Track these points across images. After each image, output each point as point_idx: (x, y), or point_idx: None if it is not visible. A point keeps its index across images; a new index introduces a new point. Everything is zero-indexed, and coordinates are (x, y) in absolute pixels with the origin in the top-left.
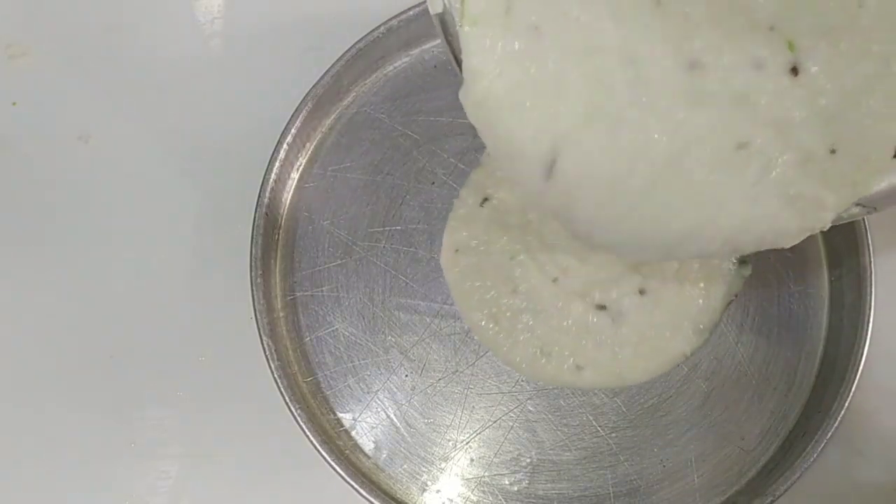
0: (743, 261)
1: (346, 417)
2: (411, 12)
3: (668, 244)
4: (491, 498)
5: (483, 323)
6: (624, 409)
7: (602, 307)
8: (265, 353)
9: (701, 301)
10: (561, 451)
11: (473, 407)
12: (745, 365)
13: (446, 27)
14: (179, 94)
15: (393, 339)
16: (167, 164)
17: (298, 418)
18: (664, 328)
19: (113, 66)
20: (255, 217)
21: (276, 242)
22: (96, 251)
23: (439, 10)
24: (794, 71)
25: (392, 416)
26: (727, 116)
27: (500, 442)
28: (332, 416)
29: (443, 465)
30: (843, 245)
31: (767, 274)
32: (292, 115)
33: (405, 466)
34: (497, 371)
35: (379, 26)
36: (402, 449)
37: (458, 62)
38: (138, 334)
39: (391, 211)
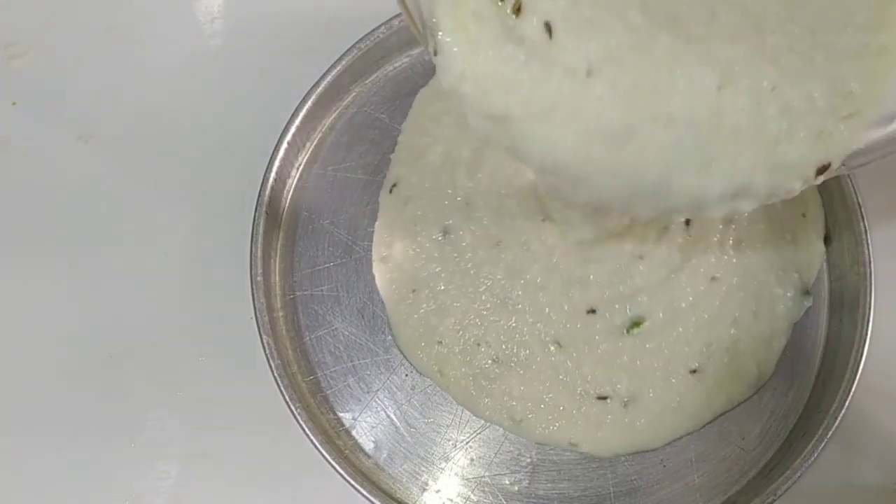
0: (806, 291)
1: (346, 417)
2: None
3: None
4: (491, 498)
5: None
6: None
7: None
8: (265, 351)
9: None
10: (561, 451)
11: None
12: None
13: None
14: (179, 94)
15: (393, 339)
16: (167, 163)
17: (298, 418)
18: None
19: (113, 66)
20: (255, 216)
21: (276, 242)
22: (96, 251)
23: None
24: None
25: (392, 415)
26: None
27: (501, 442)
28: (331, 415)
29: (443, 464)
30: (843, 245)
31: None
32: (292, 115)
33: (405, 466)
34: None
35: (379, 26)
36: (402, 449)
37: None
38: (138, 334)
39: None
